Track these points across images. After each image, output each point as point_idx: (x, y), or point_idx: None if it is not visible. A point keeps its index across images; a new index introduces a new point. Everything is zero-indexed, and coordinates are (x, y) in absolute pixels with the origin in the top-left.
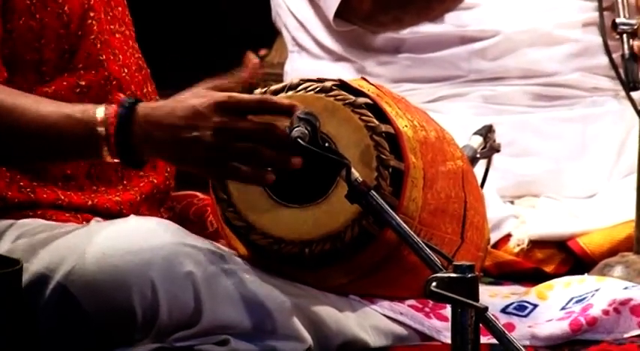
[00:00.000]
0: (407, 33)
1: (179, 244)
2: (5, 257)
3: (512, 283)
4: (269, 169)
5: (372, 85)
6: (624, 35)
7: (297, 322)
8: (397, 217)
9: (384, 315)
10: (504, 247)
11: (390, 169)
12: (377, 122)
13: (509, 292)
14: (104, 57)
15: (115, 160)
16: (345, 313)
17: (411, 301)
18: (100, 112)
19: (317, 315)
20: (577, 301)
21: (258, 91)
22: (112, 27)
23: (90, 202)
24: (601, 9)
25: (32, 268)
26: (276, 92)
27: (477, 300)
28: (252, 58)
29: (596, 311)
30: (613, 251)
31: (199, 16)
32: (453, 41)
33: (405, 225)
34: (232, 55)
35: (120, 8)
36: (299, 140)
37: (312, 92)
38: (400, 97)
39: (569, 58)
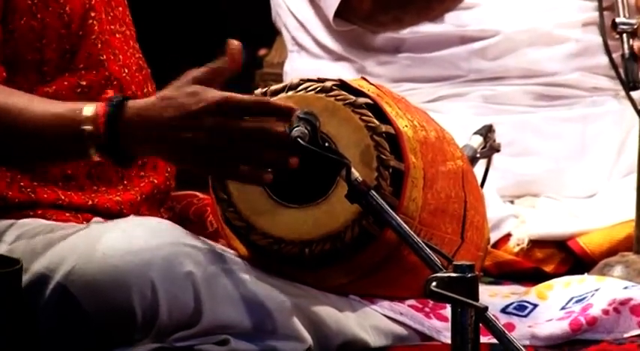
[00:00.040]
0: (407, 33)
1: (179, 244)
2: (5, 257)
3: (512, 282)
4: (269, 169)
5: (372, 85)
6: (624, 35)
7: (297, 322)
8: (397, 217)
9: (384, 315)
10: (504, 246)
11: (390, 169)
12: (377, 122)
13: (509, 291)
14: (105, 57)
15: (101, 160)
16: (345, 313)
17: (411, 301)
18: (87, 110)
19: (317, 315)
20: (577, 301)
21: (258, 91)
22: (112, 27)
23: (90, 202)
24: (601, 9)
25: (32, 268)
26: (276, 92)
27: (477, 300)
28: (233, 44)
29: (596, 311)
30: (613, 251)
31: (199, 16)
32: (453, 41)
33: (405, 225)
34: None
35: (120, 8)
36: (299, 140)
37: (313, 92)
38: (400, 97)
39: (569, 57)
